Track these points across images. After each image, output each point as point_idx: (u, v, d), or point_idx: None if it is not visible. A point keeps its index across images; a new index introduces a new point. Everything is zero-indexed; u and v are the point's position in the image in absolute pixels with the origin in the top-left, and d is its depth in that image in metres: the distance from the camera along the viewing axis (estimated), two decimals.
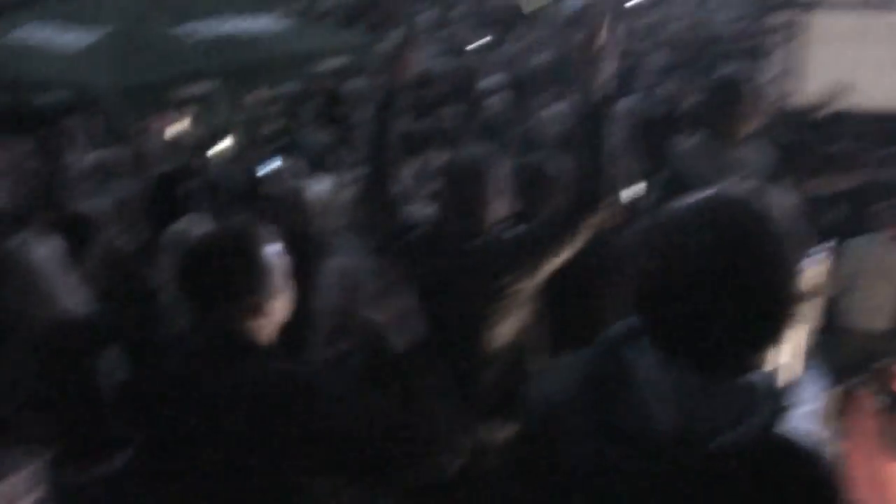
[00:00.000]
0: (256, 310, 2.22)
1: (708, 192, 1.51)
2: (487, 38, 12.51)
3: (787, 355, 4.48)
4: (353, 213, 4.46)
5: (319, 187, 4.69)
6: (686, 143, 3.70)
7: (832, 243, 5.93)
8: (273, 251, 2.27)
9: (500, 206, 3.09)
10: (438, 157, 7.44)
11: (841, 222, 6.38)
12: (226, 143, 8.06)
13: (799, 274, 1.45)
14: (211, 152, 7.81)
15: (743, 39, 11.00)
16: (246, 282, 2.21)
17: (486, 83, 10.55)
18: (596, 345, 1.61)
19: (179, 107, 7.78)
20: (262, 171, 6.03)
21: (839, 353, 6.03)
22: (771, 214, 1.45)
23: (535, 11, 13.10)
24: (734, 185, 1.51)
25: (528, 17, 13.00)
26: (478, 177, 3.05)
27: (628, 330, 1.58)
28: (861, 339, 6.22)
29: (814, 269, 5.43)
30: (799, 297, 1.44)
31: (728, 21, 12.43)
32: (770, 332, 1.44)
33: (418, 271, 2.90)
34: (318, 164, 6.93)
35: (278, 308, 2.28)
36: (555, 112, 9.03)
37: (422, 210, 4.31)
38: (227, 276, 2.21)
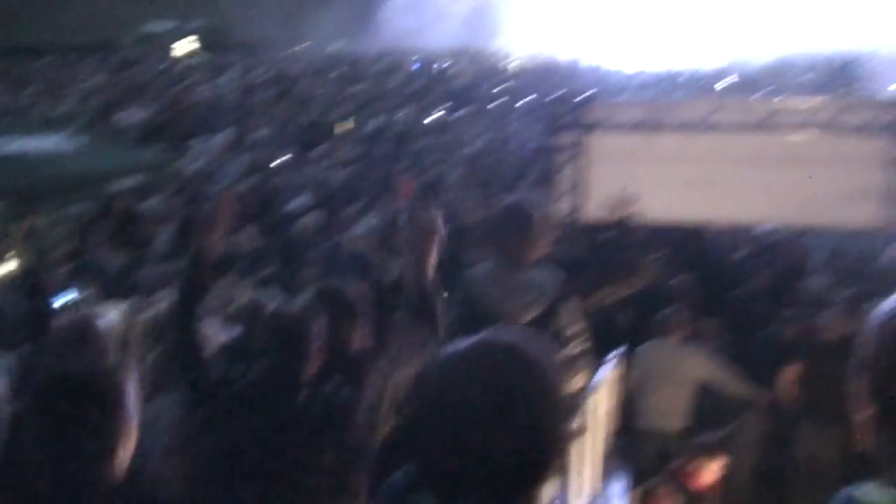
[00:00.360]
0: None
1: (474, 339, 1.52)
2: (289, 156, 12.59)
3: (588, 462, 4.64)
4: (154, 343, 4.29)
5: (113, 316, 4.47)
6: (478, 267, 3.83)
7: (622, 350, 6.26)
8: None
9: (319, 357, 3.14)
10: (242, 279, 7.34)
11: (630, 329, 6.75)
12: (10, 266, 7.58)
13: (566, 413, 1.49)
14: None
15: (532, 159, 11.62)
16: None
17: (291, 202, 10.56)
18: (380, 495, 1.59)
19: None
20: (52, 299, 5.71)
21: (638, 454, 6.31)
22: (535, 361, 1.48)
23: (341, 130, 13.37)
24: (498, 333, 1.53)
25: (336, 135, 13.25)
26: (305, 332, 3.10)
27: (408, 478, 1.57)
28: (657, 440, 6.52)
29: (607, 376, 5.68)
30: (567, 436, 1.48)
31: (518, 141, 13.11)
32: (541, 470, 1.47)
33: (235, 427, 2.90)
34: (112, 290, 6.63)
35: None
36: (363, 229, 9.16)
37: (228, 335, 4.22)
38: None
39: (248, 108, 16.68)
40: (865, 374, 1.40)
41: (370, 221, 9.06)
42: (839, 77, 18.72)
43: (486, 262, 3.83)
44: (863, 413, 1.44)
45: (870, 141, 7.11)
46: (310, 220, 9.74)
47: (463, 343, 1.51)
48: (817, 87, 16.81)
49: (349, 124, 13.15)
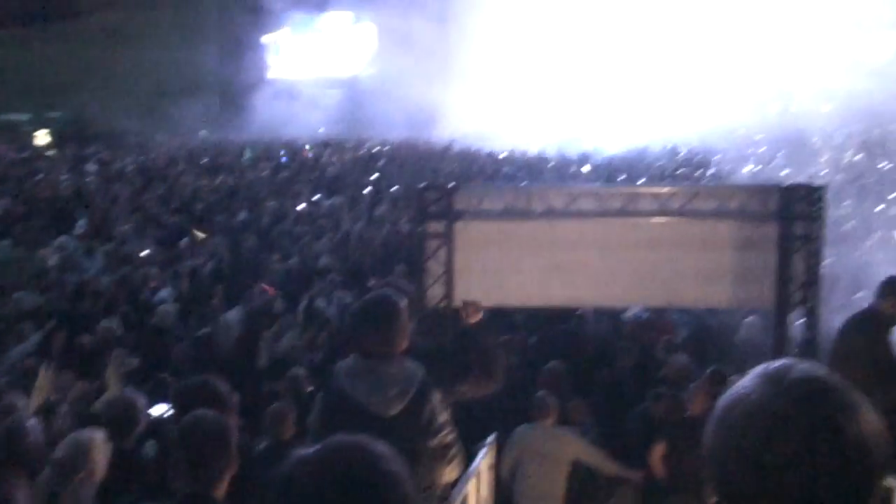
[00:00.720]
0: None
1: (325, 443, 1.51)
2: (153, 248, 12.29)
3: None
4: None
5: None
6: (345, 361, 3.80)
7: (495, 436, 6.28)
8: None
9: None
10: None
11: (502, 414, 6.79)
12: None
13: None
14: None
15: (401, 247, 11.70)
16: None
17: (156, 294, 10.28)
18: None
19: None
20: None
21: None
22: (385, 462, 1.47)
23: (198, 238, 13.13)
24: (348, 440, 1.51)
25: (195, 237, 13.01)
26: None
27: None
28: None
29: (480, 463, 5.67)
30: None
31: (387, 228, 13.20)
32: None
33: None
34: None
35: None
36: (228, 320, 8.98)
37: None
38: None
39: (110, 199, 16.23)
40: (708, 465, 1.44)
41: (235, 314, 8.89)
42: (692, 164, 19.76)
43: (352, 356, 3.81)
44: (711, 498, 1.48)
45: (721, 225, 7.52)
46: (175, 312, 9.48)
47: (314, 447, 1.50)
48: (672, 174, 17.69)
49: (203, 234, 12.97)
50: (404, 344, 3.79)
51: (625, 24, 28.72)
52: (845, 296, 8.19)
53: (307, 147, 25.03)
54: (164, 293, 10.22)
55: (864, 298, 6.13)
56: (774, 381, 1.39)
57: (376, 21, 32.05)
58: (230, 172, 20.42)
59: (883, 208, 13.38)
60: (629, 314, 9.15)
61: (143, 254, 11.95)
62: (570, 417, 7.06)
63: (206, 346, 8.54)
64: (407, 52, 28.99)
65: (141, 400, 5.14)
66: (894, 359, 5.72)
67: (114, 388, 6.57)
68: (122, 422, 4.83)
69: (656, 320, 8.99)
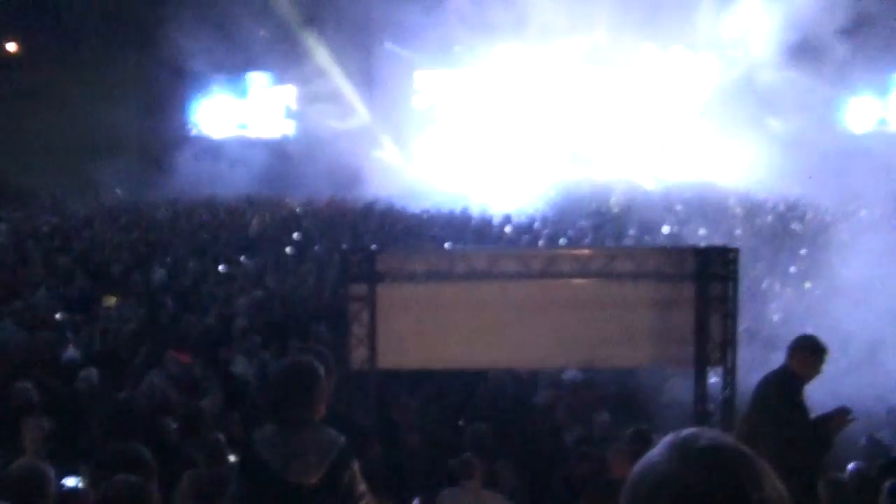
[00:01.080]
0: None
1: None
2: (69, 310, 11.96)
3: None
4: None
5: None
6: (263, 428, 3.74)
7: (419, 501, 6.21)
8: None
9: None
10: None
11: (428, 476, 6.73)
12: None
13: None
14: None
15: (324, 308, 11.60)
16: None
17: (71, 357, 9.96)
18: None
19: None
20: None
21: None
22: None
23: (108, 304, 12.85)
24: None
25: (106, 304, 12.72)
26: None
27: None
28: None
29: None
30: None
31: (310, 290, 13.10)
32: None
33: None
34: None
35: None
36: (148, 384, 8.73)
37: None
38: None
39: (24, 260, 15.78)
40: None
41: (153, 379, 8.67)
42: (610, 226, 20.14)
43: (270, 423, 3.75)
44: None
45: (640, 285, 7.67)
46: (91, 378, 9.19)
47: None
48: (591, 236, 17.99)
49: (113, 299, 12.71)
50: (322, 410, 3.75)
51: (542, 88, 29.45)
52: (762, 353, 8.40)
53: (229, 206, 24.79)
54: (72, 353, 9.91)
55: (779, 356, 6.28)
56: (682, 450, 1.42)
57: (297, 82, 32.23)
58: (149, 231, 20.08)
59: (794, 269, 13.86)
60: (567, 376, 9.20)
61: (59, 315, 11.64)
62: (495, 479, 7.02)
63: (126, 411, 8.29)
64: (328, 113, 29.17)
65: (51, 470, 4.94)
66: (807, 417, 5.86)
67: (30, 454, 6.30)
68: (29, 493, 4.62)
69: (581, 380, 9.07)
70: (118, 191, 28.00)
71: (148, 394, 8.52)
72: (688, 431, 1.45)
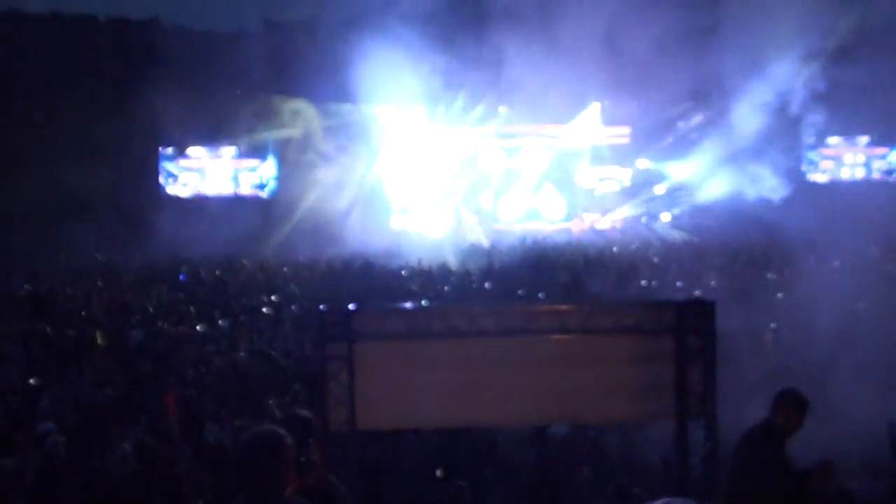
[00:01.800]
0: None
1: None
2: (40, 376, 11.76)
3: None
4: None
5: None
6: (233, 500, 3.65)
7: None
8: None
9: None
10: None
11: None
12: None
13: None
14: None
15: (301, 369, 11.48)
16: None
17: (43, 425, 9.75)
18: None
19: None
20: None
21: None
22: None
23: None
24: None
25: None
26: None
27: None
28: None
29: None
30: None
31: (287, 351, 12.99)
32: None
33: None
34: None
35: None
36: (119, 454, 8.55)
37: None
38: None
39: None
40: None
41: (126, 446, 8.49)
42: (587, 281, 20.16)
43: (241, 494, 3.65)
44: None
45: (619, 340, 7.65)
46: (63, 445, 8.99)
47: None
48: (568, 291, 18.01)
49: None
50: (292, 480, 3.66)
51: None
52: (743, 405, 8.36)
53: (206, 267, 24.66)
54: (53, 424, 9.71)
55: (760, 409, 6.24)
56: None
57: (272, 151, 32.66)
58: (126, 293, 19.90)
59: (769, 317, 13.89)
60: (533, 429, 9.12)
61: (32, 381, 11.45)
62: None
63: (100, 481, 8.11)
64: (307, 174, 29.32)
65: None
66: (792, 474, 5.82)
67: None
68: None
69: (560, 435, 9.00)
70: (98, 256, 27.79)
71: (123, 463, 8.33)
72: (660, 501, 1.44)
